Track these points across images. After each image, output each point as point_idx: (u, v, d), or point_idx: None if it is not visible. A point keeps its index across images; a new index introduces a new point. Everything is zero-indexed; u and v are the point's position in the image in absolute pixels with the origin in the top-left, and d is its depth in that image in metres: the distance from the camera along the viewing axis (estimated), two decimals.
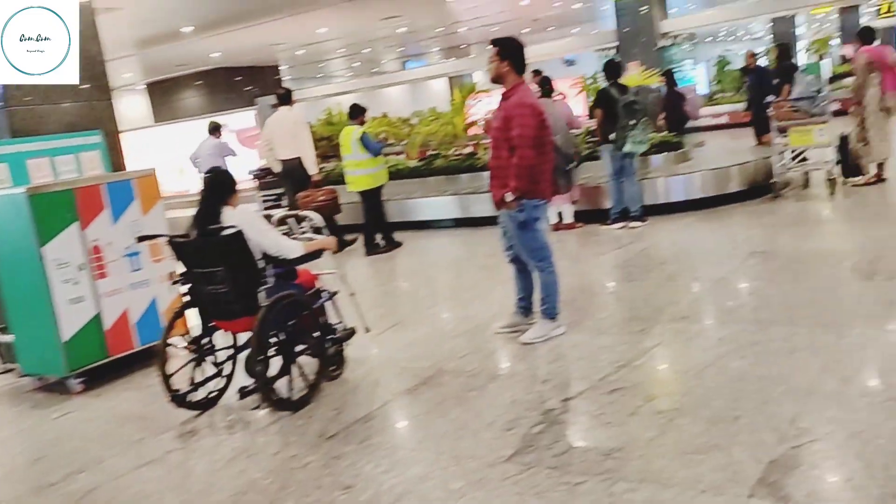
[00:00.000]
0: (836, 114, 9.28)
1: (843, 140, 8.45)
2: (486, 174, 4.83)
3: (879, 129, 8.11)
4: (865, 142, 8.17)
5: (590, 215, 8.30)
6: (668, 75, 11.53)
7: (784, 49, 10.20)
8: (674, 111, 11.40)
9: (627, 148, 7.46)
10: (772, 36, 25.62)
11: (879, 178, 8.24)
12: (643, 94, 7.84)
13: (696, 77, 20.26)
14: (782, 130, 8.41)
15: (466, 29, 20.40)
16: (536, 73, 12.80)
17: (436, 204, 9.54)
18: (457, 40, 24.32)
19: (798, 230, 6.79)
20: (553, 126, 4.49)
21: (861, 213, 7.24)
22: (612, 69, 7.85)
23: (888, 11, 28.81)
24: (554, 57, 20.46)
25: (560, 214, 8.26)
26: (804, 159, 9.12)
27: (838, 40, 29.58)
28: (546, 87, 8.05)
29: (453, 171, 9.77)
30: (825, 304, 4.57)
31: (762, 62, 13.69)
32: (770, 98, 8.57)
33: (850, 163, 8.38)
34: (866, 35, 8.49)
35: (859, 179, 8.25)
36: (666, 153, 9.32)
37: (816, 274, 5.28)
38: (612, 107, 7.52)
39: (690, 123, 12.99)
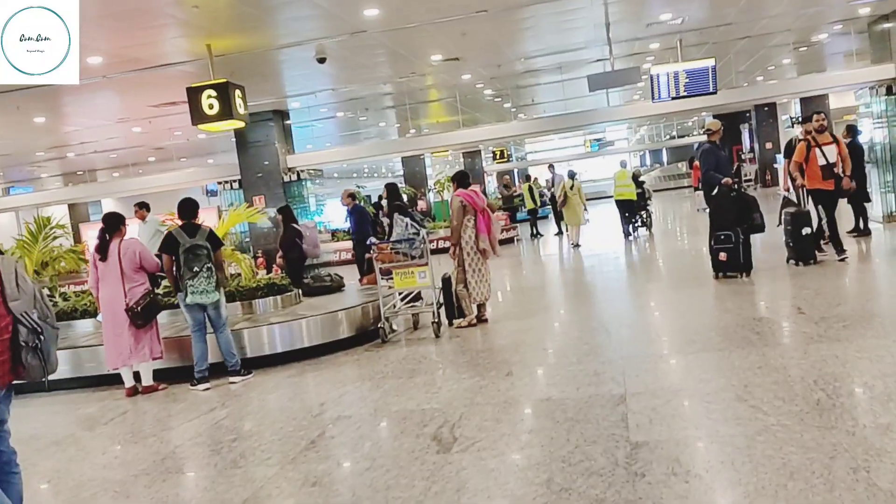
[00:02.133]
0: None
1: (446, 282, 8.38)
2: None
3: (476, 270, 8.14)
4: (465, 284, 8.13)
5: (180, 373, 7.03)
6: (286, 211, 10.90)
7: (393, 188, 10.16)
8: (292, 248, 10.74)
9: (188, 300, 6.45)
10: (403, 174, 27.38)
11: (480, 320, 8.22)
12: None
13: (329, 213, 20.38)
14: (386, 273, 8.08)
15: (75, 154, 18.23)
16: (141, 205, 11.48)
17: None
18: (75, 166, 21.84)
19: (394, 383, 6.20)
20: (9, 285, 3.20)
21: (458, 359, 6.95)
22: (187, 209, 6.86)
23: (502, 157, 32.93)
24: (186, 186, 19.11)
25: (137, 375, 6.84)
26: (415, 299, 8.94)
27: None
28: (112, 223, 6.79)
29: None
30: (393, 496, 3.79)
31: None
32: (372, 239, 8.22)
33: (453, 304, 8.29)
34: (461, 179, 8.62)
35: (462, 321, 8.13)
36: (275, 297, 8.49)
37: (394, 446, 4.58)
38: (177, 251, 6.54)
39: (325, 258, 12.54)
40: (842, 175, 9.04)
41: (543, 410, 4.97)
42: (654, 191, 35.53)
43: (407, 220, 8.00)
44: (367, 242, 8.11)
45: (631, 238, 15.46)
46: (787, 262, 9.26)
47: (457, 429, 4.73)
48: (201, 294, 6.45)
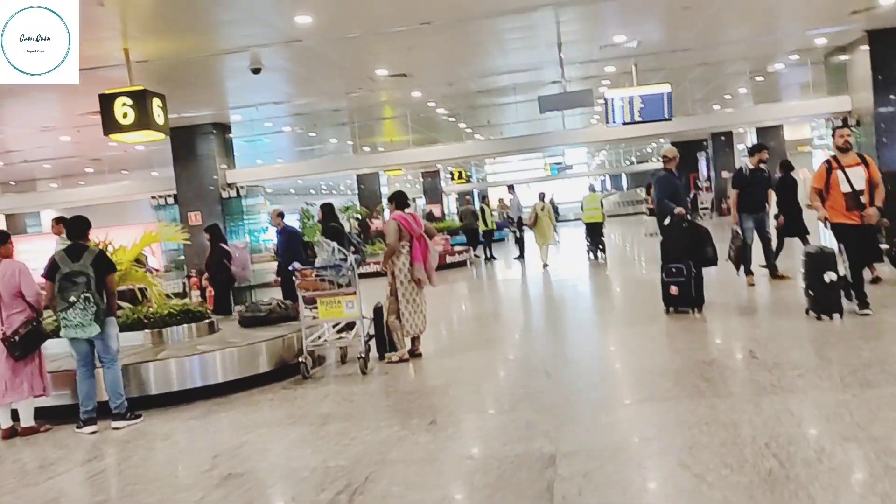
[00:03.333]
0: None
1: (378, 312, 7.73)
2: None
3: (411, 301, 7.51)
4: (398, 315, 7.49)
5: (72, 411, 6.22)
6: (214, 230, 10.15)
7: (328, 209, 9.49)
8: (219, 270, 10.01)
9: (62, 333, 5.72)
10: (358, 192, 26.66)
11: (414, 354, 7.58)
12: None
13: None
14: (309, 301, 7.39)
15: (3, 164, 17.23)
16: (59, 220, 10.52)
17: None
18: (10, 175, 20.70)
19: (302, 431, 5.51)
20: None
21: (380, 403, 6.29)
22: (74, 228, 6.10)
23: (460, 177, 32.48)
24: (126, 199, 18.18)
25: (15, 414, 6.04)
26: (345, 330, 8.26)
27: (423, 200, 32.30)
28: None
29: None
30: None
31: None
32: (295, 265, 7.52)
33: (385, 336, 7.64)
34: (398, 200, 8.00)
35: (393, 356, 7.48)
36: (189, 325, 7.74)
37: None
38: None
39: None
40: (869, 204, 7.26)
41: (462, 473, 4.33)
42: (613, 216, 35.50)
43: (334, 244, 7.32)
44: (290, 268, 7.38)
45: (597, 260, 15.73)
46: (807, 313, 7.51)
47: (358, 495, 4.06)
48: (75, 328, 5.69)
